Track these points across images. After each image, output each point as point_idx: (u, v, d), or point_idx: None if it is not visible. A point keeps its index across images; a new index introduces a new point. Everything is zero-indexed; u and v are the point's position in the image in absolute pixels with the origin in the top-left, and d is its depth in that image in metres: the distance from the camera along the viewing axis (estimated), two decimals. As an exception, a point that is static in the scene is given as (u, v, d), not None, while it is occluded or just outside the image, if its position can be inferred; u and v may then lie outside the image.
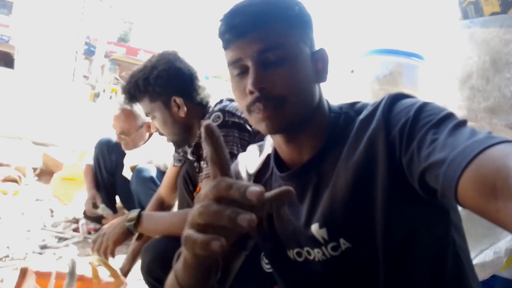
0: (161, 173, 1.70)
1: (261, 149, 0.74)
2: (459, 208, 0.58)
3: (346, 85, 1.51)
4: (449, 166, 0.42)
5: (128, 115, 1.89)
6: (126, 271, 1.25)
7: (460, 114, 0.49)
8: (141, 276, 1.13)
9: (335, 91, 1.50)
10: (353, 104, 0.64)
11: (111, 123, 1.94)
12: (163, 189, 1.42)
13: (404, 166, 0.51)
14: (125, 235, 1.09)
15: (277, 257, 0.68)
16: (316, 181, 0.60)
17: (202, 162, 1.10)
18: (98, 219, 1.95)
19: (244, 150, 0.80)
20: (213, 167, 0.39)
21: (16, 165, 2.75)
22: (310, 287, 0.65)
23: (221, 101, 1.15)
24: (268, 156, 0.70)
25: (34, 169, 2.93)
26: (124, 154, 1.95)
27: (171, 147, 1.42)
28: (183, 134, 1.16)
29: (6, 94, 4.31)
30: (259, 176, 0.70)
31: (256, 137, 0.99)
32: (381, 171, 0.53)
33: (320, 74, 0.62)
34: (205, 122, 0.39)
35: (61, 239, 1.83)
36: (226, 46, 0.60)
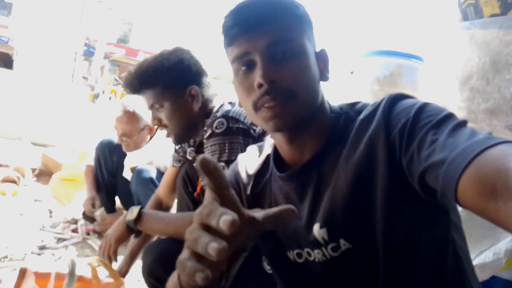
0: (161, 174, 1.70)
1: (260, 150, 0.74)
2: (459, 208, 0.58)
3: (346, 86, 1.51)
4: (449, 167, 0.42)
5: (130, 117, 1.89)
6: (124, 272, 1.25)
7: (460, 115, 0.49)
8: (139, 277, 1.12)
9: (335, 92, 1.50)
10: (353, 104, 0.64)
11: (113, 124, 1.93)
12: (161, 190, 1.42)
13: (404, 167, 0.51)
14: (126, 232, 1.10)
15: (277, 258, 0.68)
16: (317, 181, 0.60)
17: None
18: (98, 220, 1.95)
19: None
20: (211, 194, 0.40)
21: (15, 166, 2.74)
22: (309, 288, 0.65)
23: (222, 105, 1.15)
24: (268, 157, 0.70)
25: (33, 170, 2.93)
26: (125, 155, 1.95)
27: (171, 148, 1.42)
28: (187, 129, 1.14)
29: (5, 95, 4.30)
30: (259, 177, 0.70)
31: (260, 141, 1.00)
32: (381, 171, 0.53)
33: (322, 73, 0.63)
34: (200, 157, 0.38)
35: (60, 239, 1.83)
36: (231, 42, 0.59)
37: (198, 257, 0.36)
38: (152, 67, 1.10)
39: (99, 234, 1.90)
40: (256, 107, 0.58)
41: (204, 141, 1.06)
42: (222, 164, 1.00)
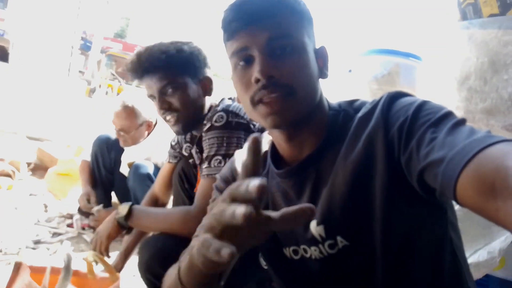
0: (158, 170, 1.69)
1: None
2: (456, 207, 0.58)
3: (344, 84, 1.51)
4: (448, 165, 0.42)
5: (129, 113, 1.88)
6: (119, 268, 1.25)
7: (457, 115, 0.50)
8: (134, 272, 1.12)
9: (333, 91, 1.50)
10: (352, 102, 0.64)
11: (111, 119, 1.93)
12: (157, 186, 1.41)
13: (403, 165, 0.51)
14: (117, 229, 1.08)
15: (273, 255, 0.68)
16: (315, 179, 0.60)
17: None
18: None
19: None
20: (245, 176, 0.39)
21: (10, 160, 2.72)
22: (306, 286, 0.65)
23: (222, 100, 1.15)
24: (265, 154, 0.70)
25: (28, 164, 2.91)
26: (123, 151, 1.95)
27: (168, 144, 1.41)
28: (196, 118, 1.11)
29: (1, 88, 4.26)
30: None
31: None
32: (380, 170, 0.53)
33: (321, 70, 0.62)
34: (253, 135, 0.39)
35: (55, 234, 1.82)
36: (231, 36, 0.59)
37: (220, 235, 0.37)
38: (168, 50, 1.07)
39: (94, 229, 1.90)
40: (254, 102, 0.57)
41: (203, 134, 1.06)
42: (219, 157, 0.99)
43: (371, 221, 0.55)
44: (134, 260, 1.28)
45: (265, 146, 0.71)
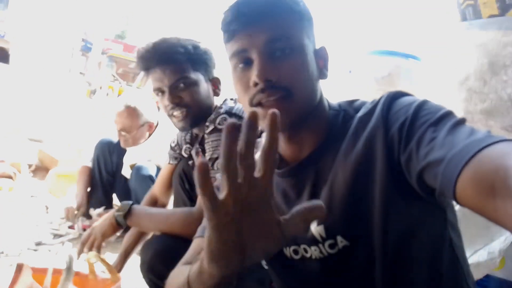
0: (160, 171, 1.70)
1: (257, 146, 0.74)
2: (456, 207, 0.58)
3: (344, 85, 1.51)
4: (448, 165, 0.42)
5: (131, 113, 1.89)
6: (119, 268, 1.25)
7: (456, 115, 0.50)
8: (134, 273, 1.12)
9: (333, 91, 1.50)
10: (352, 102, 0.64)
11: (113, 119, 1.93)
12: (157, 187, 1.41)
13: (403, 165, 0.51)
14: (114, 227, 1.08)
15: (273, 254, 0.68)
16: (314, 178, 0.60)
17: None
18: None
19: None
20: (263, 161, 0.37)
21: (11, 161, 2.73)
22: (307, 285, 0.65)
23: (225, 101, 1.15)
24: None
25: (29, 165, 2.91)
26: (125, 154, 1.95)
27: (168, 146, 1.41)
28: (201, 116, 1.08)
29: (1, 89, 4.27)
30: None
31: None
32: (380, 169, 0.53)
33: (321, 71, 0.62)
34: (271, 111, 0.35)
35: (56, 235, 1.82)
36: (230, 37, 0.59)
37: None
38: (185, 45, 1.06)
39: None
40: (252, 104, 0.58)
41: (205, 135, 1.06)
42: None
43: (370, 220, 0.55)
44: (134, 260, 1.28)
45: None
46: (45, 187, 2.47)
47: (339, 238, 0.58)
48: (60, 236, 1.82)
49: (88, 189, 2.04)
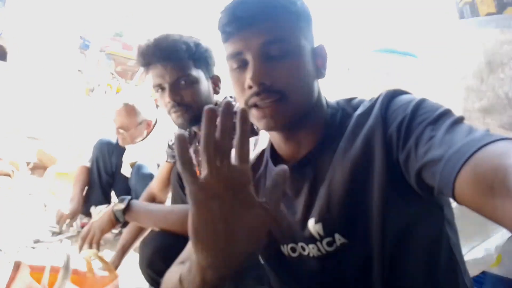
0: (161, 170, 1.70)
1: (255, 144, 0.74)
2: (452, 204, 0.59)
3: (342, 83, 1.51)
4: (446, 164, 0.42)
5: (129, 111, 1.89)
6: (116, 265, 1.25)
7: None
8: (132, 270, 1.12)
9: (331, 89, 1.50)
10: (350, 100, 0.64)
11: (112, 116, 1.93)
12: (155, 185, 1.41)
13: (401, 163, 0.51)
14: (112, 222, 1.07)
15: (271, 252, 0.68)
16: (313, 176, 0.61)
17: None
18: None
19: None
20: (236, 150, 0.39)
21: (9, 159, 2.72)
22: (304, 283, 0.65)
23: (225, 99, 1.15)
24: (263, 151, 0.71)
25: (28, 163, 2.91)
26: (124, 154, 1.95)
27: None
28: (200, 114, 1.09)
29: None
30: (253, 171, 0.70)
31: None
32: (378, 168, 0.54)
33: (319, 70, 0.62)
34: (239, 110, 0.39)
35: (54, 233, 1.82)
36: (226, 39, 0.59)
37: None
38: (188, 42, 1.05)
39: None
40: (248, 106, 0.58)
41: None
42: None
43: (369, 218, 0.55)
44: (131, 258, 1.28)
45: (262, 144, 0.72)
46: (44, 185, 2.47)
47: (337, 236, 0.58)
48: (59, 234, 1.82)
49: (85, 191, 2.02)
